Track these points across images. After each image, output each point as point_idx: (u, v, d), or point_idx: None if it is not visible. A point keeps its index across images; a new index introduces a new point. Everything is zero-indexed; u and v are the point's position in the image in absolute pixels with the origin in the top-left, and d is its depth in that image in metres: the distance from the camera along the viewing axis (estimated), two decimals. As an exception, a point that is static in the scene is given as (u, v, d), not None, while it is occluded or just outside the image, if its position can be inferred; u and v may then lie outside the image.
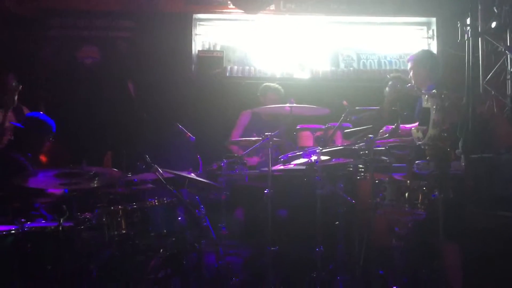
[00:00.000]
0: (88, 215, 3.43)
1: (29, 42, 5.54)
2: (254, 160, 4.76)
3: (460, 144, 2.98)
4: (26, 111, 4.84)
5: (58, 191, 3.98)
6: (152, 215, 3.57)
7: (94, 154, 5.03)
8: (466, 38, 2.18)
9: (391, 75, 4.68)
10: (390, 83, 4.51)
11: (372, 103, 4.60)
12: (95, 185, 3.56)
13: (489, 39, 5.22)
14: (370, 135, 3.32)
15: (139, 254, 3.45)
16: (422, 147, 2.93)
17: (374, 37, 6.09)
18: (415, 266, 3.52)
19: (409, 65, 4.08)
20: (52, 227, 3.21)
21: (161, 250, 3.49)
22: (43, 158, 5.01)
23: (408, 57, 4.15)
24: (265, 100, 5.05)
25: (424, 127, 2.92)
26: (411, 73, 4.04)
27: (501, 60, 5.21)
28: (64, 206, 3.20)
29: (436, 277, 3.25)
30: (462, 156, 2.93)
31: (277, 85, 5.17)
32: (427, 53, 4.04)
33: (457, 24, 5.36)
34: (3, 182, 3.58)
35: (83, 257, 3.24)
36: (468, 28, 2.18)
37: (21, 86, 4.50)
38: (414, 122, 3.52)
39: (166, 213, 3.65)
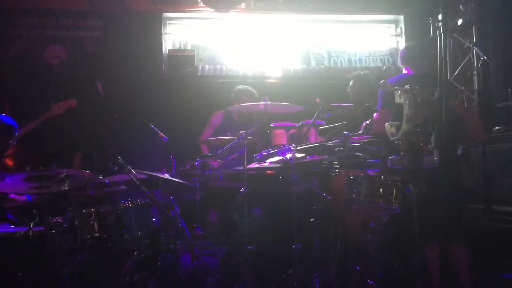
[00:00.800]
0: (59, 218, 3.34)
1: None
2: (216, 163, 4.71)
3: (432, 139, 3.02)
4: None
5: (21, 198, 3.84)
6: (126, 217, 3.51)
7: (63, 156, 4.91)
8: (438, 34, 2.23)
9: (354, 73, 4.72)
10: (352, 82, 4.56)
11: (343, 100, 4.65)
12: (66, 188, 3.48)
13: (455, 36, 5.35)
14: (344, 132, 3.34)
15: (113, 257, 3.39)
16: (396, 142, 2.96)
17: (344, 35, 6.16)
18: (391, 261, 3.56)
19: (400, 61, 4.03)
20: (22, 232, 3.11)
21: (136, 252, 3.43)
22: (9, 161, 4.85)
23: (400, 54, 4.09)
24: (238, 103, 4.95)
25: (397, 123, 2.95)
26: (405, 71, 3.98)
27: (468, 57, 5.34)
28: (34, 210, 3.09)
29: (411, 271, 3.29)
30: (435, 150, 2.97)
31: (251, 89, 5.10)
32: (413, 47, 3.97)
33: (424, 22, 5.48)
34: None
35: (55, 262, 3.14)
36: (440, 24, 2.22)
37: None
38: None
39: (140, 215, 3.59)
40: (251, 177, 3.93)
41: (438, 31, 2.29)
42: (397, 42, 6.15)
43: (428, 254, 3.35)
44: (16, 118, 4.62)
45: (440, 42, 2.29)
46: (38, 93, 5.26)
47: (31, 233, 3.02)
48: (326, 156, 3.66)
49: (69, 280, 3.15)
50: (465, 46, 5.36)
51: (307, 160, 3.78)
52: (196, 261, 3.87)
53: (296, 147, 3.69)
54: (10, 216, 3.84)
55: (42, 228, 3.17)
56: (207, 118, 5.26)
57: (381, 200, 3.23)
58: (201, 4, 5.71)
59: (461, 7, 5.26)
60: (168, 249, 3.65)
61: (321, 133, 4.19)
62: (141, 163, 3.92)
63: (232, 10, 5.73)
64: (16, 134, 4.07)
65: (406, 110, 2.82)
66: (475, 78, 5.26)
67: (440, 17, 2.33)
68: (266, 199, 4.20)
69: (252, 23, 5.97)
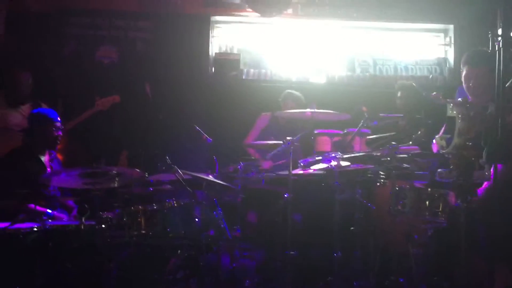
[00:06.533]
0: (109, 214, 3.45)
1: (49, 40, 5.57)
2: (267, 164, 4.77)
3: (484, 154, 2.97)
4: (44, 107, 4.88)
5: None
6: (171, 216, 3.58)
7: (111, 153, 5.06)
8: (497, 48, 2.20)
9: (401, 83, 4.65)
10: (400, 92, 4.50)
11: (388, 109, 4.60)
12: (116, 185, 3.58)
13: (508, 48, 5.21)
14: (392, 142, 3.32)
15: (157, 254, 3.47)
16: (446, 155, 2.93)
17: (390, 42, 6.08)
18: (434, 274, 3.51)
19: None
20: (74, 226, 3.23)
21: (179, 251, 3.51)
22: (60, 156, 5.05)
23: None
24: (284, 106, 5.02)
25: (448, 136, 2.93)
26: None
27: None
28: (85, 205, 3.22)
29: (455, 286, 3.24)
30: (486, 165, 2.92)
31: (298, 93, 5.12)
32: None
33: (475, 32, 5.34)
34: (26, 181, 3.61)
35: (103, 256, 3.25)
36: (500, 38, 2.19)
37: None
38: (439, 131, 3.48)
39: (184, 214, 3.65)
40: (294, 183, 3.95)
41: (497, 45, 2.26)
42: (446, 51, 6.04)
43: (474, 271, 3.27)
44: (67, 115, 4.81)
45: (498, 56, 2.25)
46: (88, 92, 5.44)
47: (82, 227, 3.14)
48: (372, 166, 3.64)
49: (116, 275, 3.26)
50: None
51: (352, 168, 3.77)
52: (234, 262, 3.92)
53: (342, 155, 3.69)
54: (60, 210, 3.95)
55: (93, 223, 3.29)
56: (251, 121, 5.31)
57: (427, 213, 3.20)
58: (249, 9, 5.76)
59: (514, 18, 5.12)
60: (210, 249, 3.72)
61: (368, 143, 4.16)
62: (184, 163, 3.99)
63: (278, 15, 5.76)
64: (58, 120, 4.09)
65: (458, 123, 2.79)
66: (527, 91, 5.12)
67: (500, 31, 2.29)
68: (308, 205, 4.21)
69: (297, 28, 5.98)
